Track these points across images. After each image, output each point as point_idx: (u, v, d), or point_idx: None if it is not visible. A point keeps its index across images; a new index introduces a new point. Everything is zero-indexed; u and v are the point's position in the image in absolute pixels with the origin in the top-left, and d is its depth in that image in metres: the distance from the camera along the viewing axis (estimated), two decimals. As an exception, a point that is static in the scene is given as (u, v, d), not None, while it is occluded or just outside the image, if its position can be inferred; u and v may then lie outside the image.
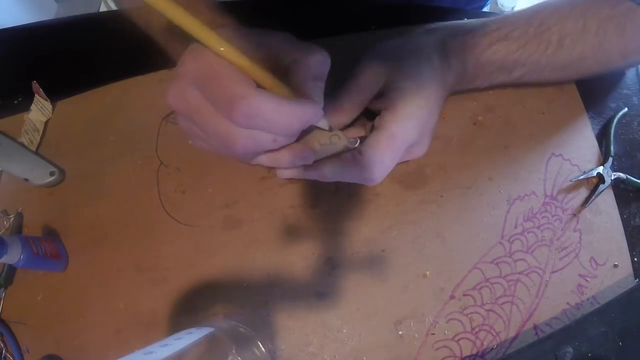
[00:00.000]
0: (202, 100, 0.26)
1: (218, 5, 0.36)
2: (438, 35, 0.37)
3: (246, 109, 0.24)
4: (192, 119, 0.27)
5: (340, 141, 0.32)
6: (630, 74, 0.46)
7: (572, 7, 0.38)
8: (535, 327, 0.37)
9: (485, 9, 0.72)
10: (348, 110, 0.33)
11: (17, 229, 0.43)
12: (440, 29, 0.38)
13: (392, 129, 0.32)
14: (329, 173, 0.33)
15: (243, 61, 0.25)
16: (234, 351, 0.30)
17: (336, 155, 0.33)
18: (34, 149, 0.46)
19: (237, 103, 0.24)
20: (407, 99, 0.33)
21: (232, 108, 0.25)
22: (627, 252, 0.39)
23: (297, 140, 0.31)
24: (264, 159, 0.31)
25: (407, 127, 0.33)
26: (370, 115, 0.36)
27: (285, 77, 0.27)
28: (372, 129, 0.34)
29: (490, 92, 0.44)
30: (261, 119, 0.25)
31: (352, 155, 0.32)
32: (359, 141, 0.32)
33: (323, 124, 0.31)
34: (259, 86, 0.26)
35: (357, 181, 0.34)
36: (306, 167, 0.33)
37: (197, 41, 0.24)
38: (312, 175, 0.34)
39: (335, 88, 0.34)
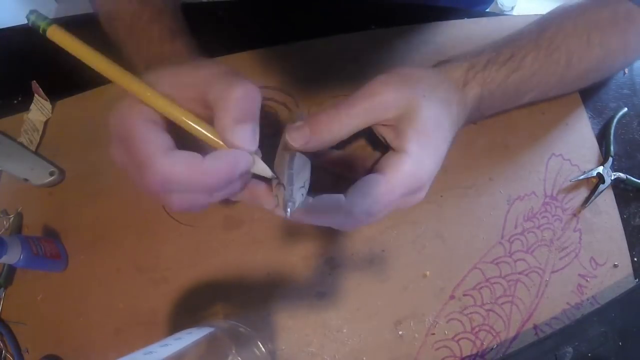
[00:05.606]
0: (128, 160, 0.24)
1: (175, 22, 0.35)
2: (457, 72, 0.34)
3: (153, 177, 0.23)
4: (129, 175, 0.25)
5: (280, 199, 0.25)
6: (630, 74, 0.46)
7: (575, 20, 0.37)
8: (535, 327, 0.37)
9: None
10: (345, 126, 0.28)
11: (17, 229, 0.43)
12: (460, 62, 0.34)
13: (396, 178, 0.28)
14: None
15: (165, 107, 0.24)
16: (234, 351, 0.30)
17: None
18: (34, 149, 0.46)
19: (145, 172, 0.23)
20: (424, 148, 0.29)
21: (143, 177, 0.23)
22: (627, 252, 0.39)
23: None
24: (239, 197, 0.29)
25: (418, 175, 0.29)
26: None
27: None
28: (374, 165, 0.30)
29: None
30: (175, 183, 0.23)
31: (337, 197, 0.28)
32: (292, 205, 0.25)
33: (260, 169, 0.27)
34: (183, 134, 0.24)
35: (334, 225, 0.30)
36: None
37: (121, 87, 0.24)
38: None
39: (333, 86, 0.32)
